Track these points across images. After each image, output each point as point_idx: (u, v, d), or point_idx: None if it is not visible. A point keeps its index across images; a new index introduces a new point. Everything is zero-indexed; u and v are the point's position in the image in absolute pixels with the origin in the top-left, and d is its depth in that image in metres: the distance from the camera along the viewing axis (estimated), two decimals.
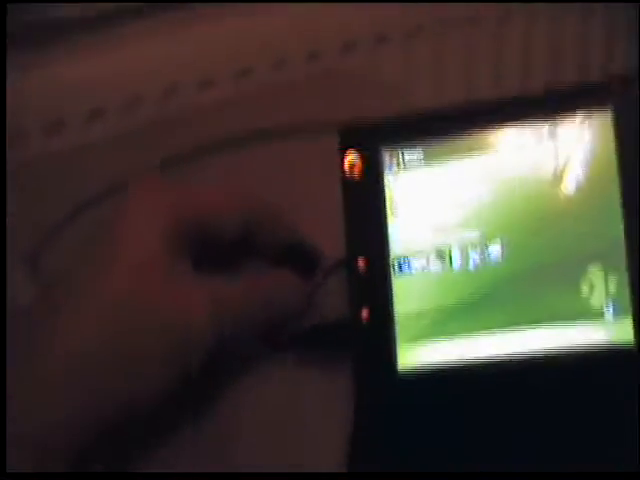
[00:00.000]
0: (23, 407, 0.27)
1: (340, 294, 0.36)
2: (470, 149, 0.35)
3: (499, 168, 0.35)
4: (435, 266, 0.35)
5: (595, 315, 0.33)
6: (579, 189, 0.34)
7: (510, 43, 0.48)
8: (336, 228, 0.36)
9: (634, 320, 0.32)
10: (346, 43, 0.64)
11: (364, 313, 0.35)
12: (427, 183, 0.36)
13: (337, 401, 0.35)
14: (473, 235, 0.35)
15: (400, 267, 0.35)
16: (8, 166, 0.51)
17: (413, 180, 0.36)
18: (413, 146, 0.36)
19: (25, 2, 0.62)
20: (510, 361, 0.34)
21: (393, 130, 0.36)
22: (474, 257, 0.35)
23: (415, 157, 0.36)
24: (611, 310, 0.33)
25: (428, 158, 0.36)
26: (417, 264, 0.35)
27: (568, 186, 0.34)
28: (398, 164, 0.36)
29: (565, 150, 0.34)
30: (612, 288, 0.33)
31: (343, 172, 0.36)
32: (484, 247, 0.35)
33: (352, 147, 0.36)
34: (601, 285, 0.33)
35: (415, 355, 0.35)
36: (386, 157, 0.36)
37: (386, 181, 0.36)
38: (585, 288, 0.33)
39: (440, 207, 0.35)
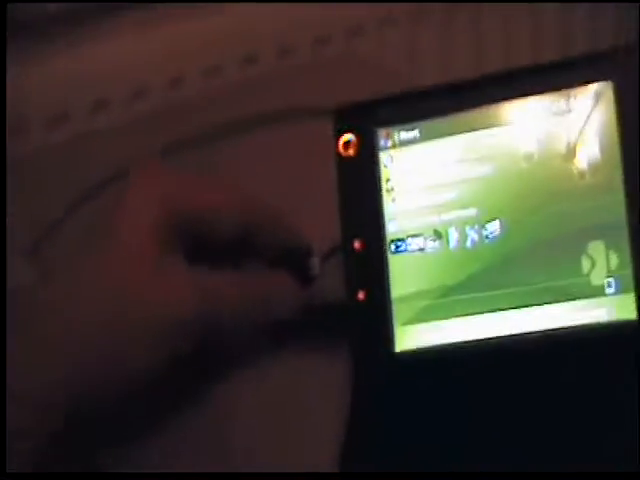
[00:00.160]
0: (23, 368, 0.28)
1: (336, 276, 0.35)
2: (466, 126, 0.34)
3: (495, 144, 0.34)
4: (432, 246, 0.34)
5: (596, 292, 0.32)
6: (575, 163, 0.33)
7: (518, 27, 0.48)
8: (332, 213, 0.35)
9: (637, 297, 0.32)
10: (351, 29, 0.64)
11: (361, 295, 0.35)
12: (423, 161, 0.35)
13: (335, 385, 0.35)
14: (471, 213, 0.34)
15: (397, 247, 0.35)
16: (10, 158, 0.52)
17: (409, 158, 0.35)
18: (409, 124, 0.35)
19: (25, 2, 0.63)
20: (510, 341, 0.33)
21: (388, 108, 0.35)
22: (472, 236, 0.34)
23: (411, 135, 0.35)
24: (613, 287, 0.32)
25: (424, 136, 0.35)
26: (414, 244, 0.34)
27: (566, 161, 0.33)
28: (394, 143, 0.35)
29: (570, 125, 0.33)
30: (613, 264, 0.32)
31: (338, 152, 0.35)
32: (482, 225, 0.34)
33: (347, 126, 0.35)
34: (602, 261, 0.32)
35: (413, 337, 0.34)
36: (381, 136, 0.35)
37: (381, 160, 0.35)
38: (586, 265, 0.32)
39: (437, 185, 0.35)
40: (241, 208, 0.33)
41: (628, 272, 0.32)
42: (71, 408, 0.28)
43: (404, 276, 0.34)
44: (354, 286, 0.35)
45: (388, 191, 0.35)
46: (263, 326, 0.32)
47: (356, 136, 0.35)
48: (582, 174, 0.33)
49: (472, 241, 0.34)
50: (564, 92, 0.33)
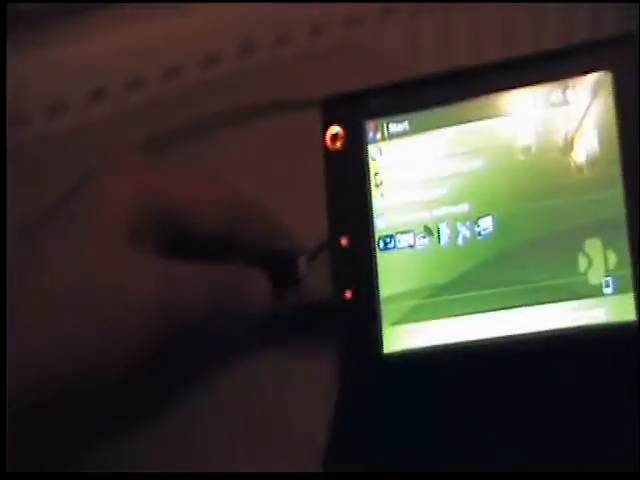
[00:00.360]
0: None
1: (323, 274, 0.34)
2: (459, 118, 0.33)
3: (489, 137, 0.32)
4: (422, 243, 0.33)
5: (593, 292, 0.31)
6: (572, 157, 0.32)
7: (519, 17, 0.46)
8: (322, 209, 0.34)
9: (636, 297, 0.30)
10: (351, 17, 0.63)
11: (348, 294, 0.33)
12: (414, 154, 0.33)
13: (321, 387, 0.34)
14: (463, 209, 0.33)
15: (385, 244, 0.33)
16: (10, 146, 0.51)
17: (399, 152, 0.34)
18: (399, 116, 0.34)
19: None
20: (503, 343, 0.31)
21: (377, 99, 0.34)
22: (464, 232, 0.33)
23: (401, 127, 0.34)
24: (611, 286, 0.31)
25: (415, 128, 0.34)
26: (403, 241, 0.33)
27: (563, 154, 0.32)
28: (383, 135, 0.34)
29: (567, 116, 0.32)
30: (611, 263, 0.31)
31: (325, 145, 0.34)
32: (474, 221, 0.32)
33: (334, 118, 0.34)
34: (600, 260, 0.31)
35: (402, 338, 0.33)
36: (370, 128, 0.34)
37: (370, 153, 0.34)
38: (583, 263, 0.31)
39: (427, 180, 0.33)
40: (223, 202, 0.32)
41: (627, 271, 0.30)
42: (38, 395, 0.27)
43: (393, 274, 0.33)
44: (341, 285, 0.33)
45: (377, 185, 0.34)
46: (242, 324, 0.31)
47: (343, 128, 0.34)
48: (580, 168, 0.32)
49: (464, 238, 0.32)
50: (561, 82, 0.32)
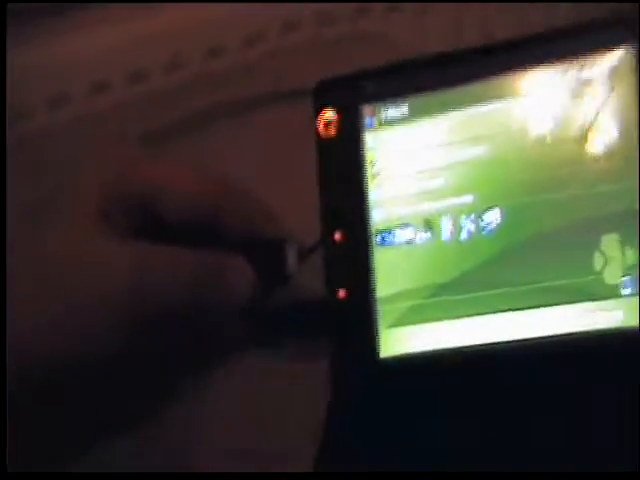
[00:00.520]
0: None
1: (315, 272, 0.32)
2: (462, 101, 0.31)
3: (495, 122, 0.30)
4: (422, 238, 0.31)
5: (610, 293, 0.28)
6: (588, 145, 0.29)
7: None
8: (312, 206, 0.33)
9: None
10: (359, 9, 0.61)
11: (342, 293, 0.31)
12: (413, 142, 0.31)
13: (312, 391, 0.32)
14: (466, 200, 0.30)
15: (382, 239, 0.31)
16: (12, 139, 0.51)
17: (397, 139, 0.32)
18: (397, 99, 0.32)
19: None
20: (509, 348, 0.29)
21: (373, 82, 0.32)
22: (468, 226, 0.30)
23: (399, 112, 0.32)
24: (629, 287, 0.28)
25: (415, 113, 0.31)
26: (402, 235, 0.31)
27: (577, 142, 0.29)
28: (380, 121, 0.32)
29: (583, 100, 0.29)
30: (630, 261, 0.28)
31: (317, 132, 0.32)
32: (479, 215, 0.30)
33: (327, 103, 0.32)
34: (617, 257, 0.28)
35: (400, 341, 0.31)
36: (366, 113, 0.32)
37: (366, 141, 0.32)
38: (598, 261, 0.29)
39: (428, 169, 0.31)
40: (205, 190, 0.32)
41: None
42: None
43: (390, 272, 0.31)
44: (335, 283, 0.31)
45: (373, 176, 0.32)
46: (228, 315, 0.31)
47: (337, 113, 0.32)
48: (596, 157, 0.29)
49: (468, 233, 0.30)
50: (577, 62, 0.30)
